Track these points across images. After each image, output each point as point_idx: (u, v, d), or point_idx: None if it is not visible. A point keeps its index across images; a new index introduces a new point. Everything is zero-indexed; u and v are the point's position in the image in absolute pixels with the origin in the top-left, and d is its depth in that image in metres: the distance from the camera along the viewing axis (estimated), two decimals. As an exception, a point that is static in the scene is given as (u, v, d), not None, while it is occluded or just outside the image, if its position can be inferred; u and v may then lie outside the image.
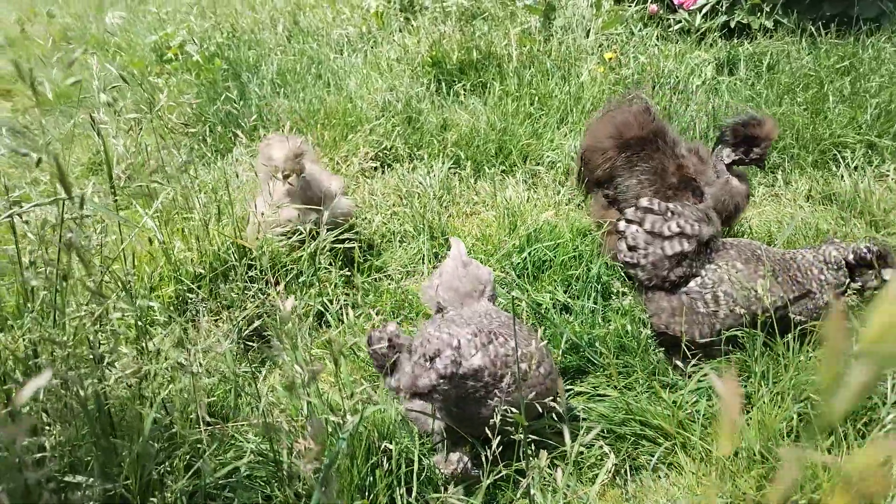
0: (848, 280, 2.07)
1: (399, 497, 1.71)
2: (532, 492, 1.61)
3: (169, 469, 1.44)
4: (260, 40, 4.95)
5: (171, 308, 2.34)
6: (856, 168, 3.22)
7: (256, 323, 2.33)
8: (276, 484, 1.62)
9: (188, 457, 1.51)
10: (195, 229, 2.51)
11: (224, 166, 3.38)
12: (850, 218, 2.85)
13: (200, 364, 2.01)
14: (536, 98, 3.97)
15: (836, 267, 2.08)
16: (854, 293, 2.06)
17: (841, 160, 3.23)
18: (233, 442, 1.77)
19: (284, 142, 2.67)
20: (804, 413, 1.88)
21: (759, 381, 1.96)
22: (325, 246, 2.50)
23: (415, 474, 1.73)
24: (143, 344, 1.59)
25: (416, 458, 1.77)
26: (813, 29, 4.31)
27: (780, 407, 1.85)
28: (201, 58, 4.38)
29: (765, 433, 1.81)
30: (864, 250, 2.05)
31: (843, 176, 3.09)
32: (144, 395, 1.48)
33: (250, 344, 2.40)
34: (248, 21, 5.39)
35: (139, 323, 1.70)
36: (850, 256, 2.07)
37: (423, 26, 4.78)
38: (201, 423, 1.73)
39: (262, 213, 2.55)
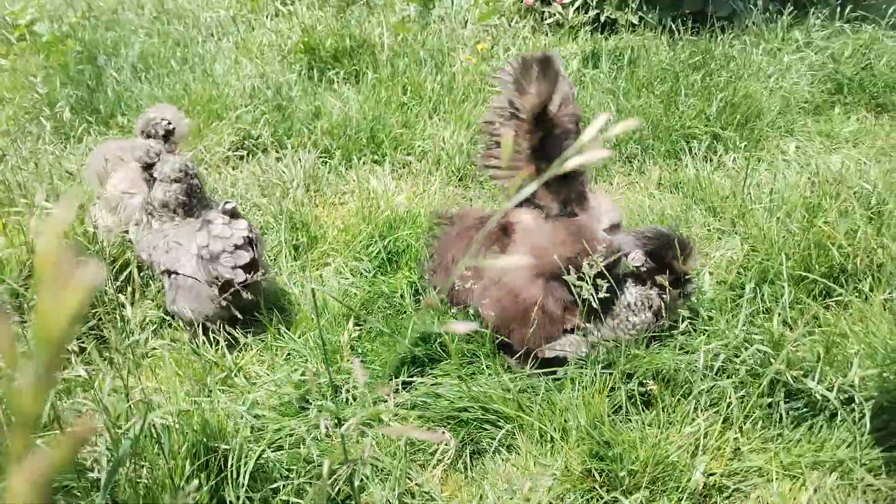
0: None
1: (229, 495, 1.67)
2: (356, 482, 1.61)
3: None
4: (121, 21, 4.65)
5: (-12, 310, 2.16)
6: (704, 158, 3.44)
7: (90, 323, 2.20)
8: (80, 492, 1.53)
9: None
10: (21, 225, 2.33)
11: (69, 155, 3.16)
12: (692, 205, 3.04)
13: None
14: (409, 88, 3.96)
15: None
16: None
17: (688, 151, 3.43)
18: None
19: (166, 107, 2.82)
20: (633, 391, 1.99)
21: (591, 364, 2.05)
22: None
23: (247, 471, 1.69)
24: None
25: (254, 454, 1.74)
26: (673, 25, 4.55)
27: (605, 388, 1.95)
28: (51, 38, 4.06)
29: (591, 412, 1.89)
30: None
31: (688, 165, 3.29)
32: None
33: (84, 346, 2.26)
34: (111, 1, 5.05)
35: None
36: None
37: (297, 11, 4.66)
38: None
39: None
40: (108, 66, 4.05)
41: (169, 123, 2.44)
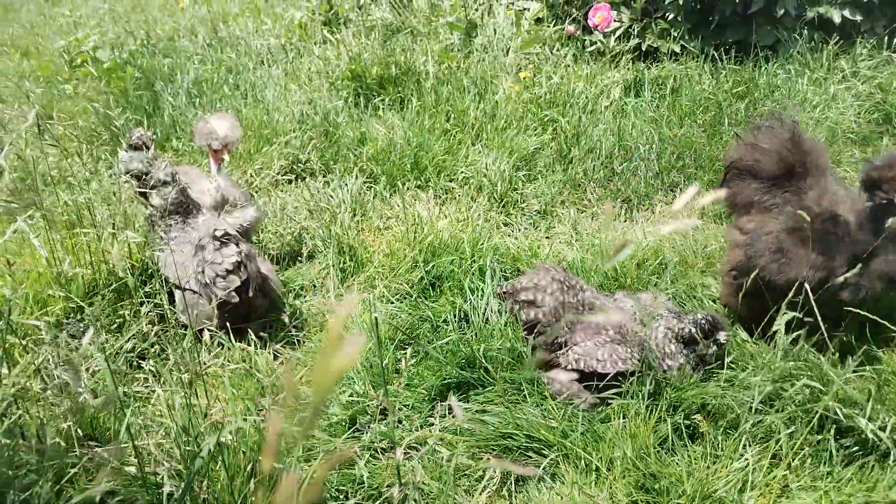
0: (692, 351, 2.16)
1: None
2: (407, 507, 1.65)
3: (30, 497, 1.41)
4: (177, 48, 4.85)
5: (58, 327, 2.27)
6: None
7: (151, 340, 2.29)
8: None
9: (53, 484, 1.48)
10: (87, 244, 2.45)
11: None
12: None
13: (84, 384, 1.96)
14: (452, 115, 4.04)
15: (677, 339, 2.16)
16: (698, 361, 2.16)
17: (732, 180, 3.42)
18: (111, 465, 1.74)
19: (224, 116, 2.87)
20: (679, 424, 2.00)
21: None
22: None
23: (301, 489, 1.74)
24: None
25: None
26: (715, 54, 4.56)
27: (650, 420, 1.95)
28: (112, 65, 4.26)
29: (637, 443, 1.90)
30: (703, 322, 2.14)
31: (732, 195, 3.27)
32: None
33: (143, 363, 2.36)
34: (168, 29, 5.28)
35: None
36: (689, 329, 2.14)
37: (344, 40, 4.81)
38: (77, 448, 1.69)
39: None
40: (165, 92, 4.23)
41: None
